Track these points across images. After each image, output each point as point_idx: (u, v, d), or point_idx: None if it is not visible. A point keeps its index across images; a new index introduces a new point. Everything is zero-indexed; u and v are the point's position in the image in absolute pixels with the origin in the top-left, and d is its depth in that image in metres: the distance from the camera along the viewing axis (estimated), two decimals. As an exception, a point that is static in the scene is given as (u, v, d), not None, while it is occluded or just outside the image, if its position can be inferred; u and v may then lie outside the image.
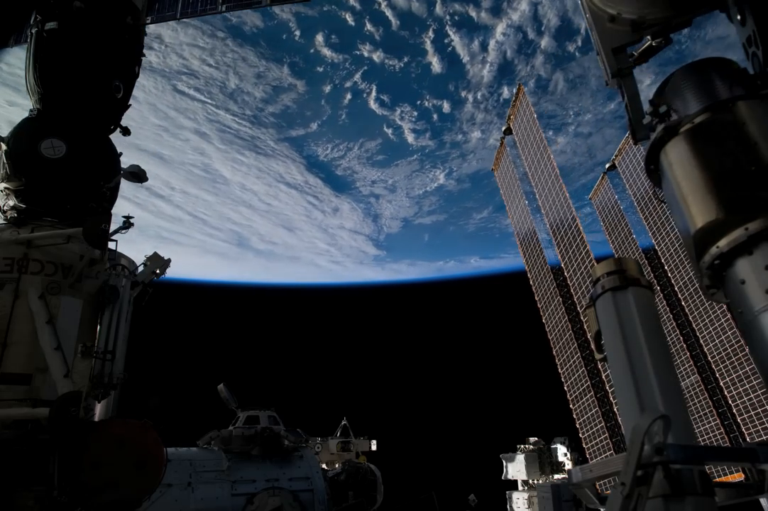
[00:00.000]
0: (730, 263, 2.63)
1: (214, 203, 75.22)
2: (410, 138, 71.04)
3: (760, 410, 18.86)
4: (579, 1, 3.53)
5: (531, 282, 24.44)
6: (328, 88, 68.15)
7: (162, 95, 58.34)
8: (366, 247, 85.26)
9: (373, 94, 67.82)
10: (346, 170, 76.46)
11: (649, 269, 22.86)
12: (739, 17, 3.01)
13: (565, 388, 21.70)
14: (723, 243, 2.59)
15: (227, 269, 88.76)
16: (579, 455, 17.80)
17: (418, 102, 71.02)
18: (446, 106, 69.11)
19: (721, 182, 2.63)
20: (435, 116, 71.24)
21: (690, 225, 2.73)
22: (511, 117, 24.45)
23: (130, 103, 7.10)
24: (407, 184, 77.45)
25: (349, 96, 69.08)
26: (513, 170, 25.40)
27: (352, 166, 75.37)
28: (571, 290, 21.67)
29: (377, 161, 75.09)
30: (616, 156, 24.64)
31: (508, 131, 24.89)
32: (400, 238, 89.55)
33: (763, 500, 12.81)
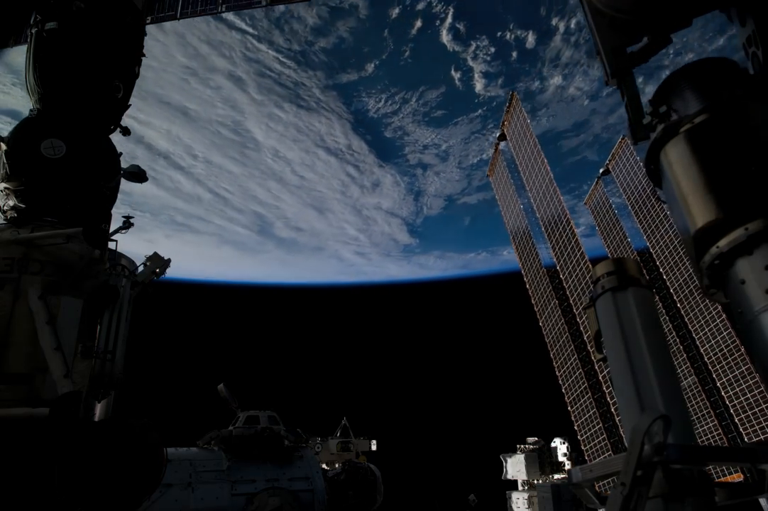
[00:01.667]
0: (730, 263, 2.63)
1: (240, 176, 64.47)
2: (479, 85, 60.10)
3: (756, 409, 18.90)
4: (579, 1, 3.53)
5: (527, 286, 24.61)
6: (395, 12, 55.78)
7: (193, 21, 49.74)
8: (398, 234, 76.78)
9: (449, 20, 55.46)
10: (396, 131, 65.35)
11: (644, 271, 22.94)
12: (739, 17, 3.01)
13: (563, 390, 21.76)
14: (723, 243, 2.59)
15: (243, 264, 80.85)
16: (578, 455, 17.82)
17: (499, 33, 59.02)
18: (530, 40, 57.43)
19: (721, 182, 2.63)
20: (514, 54, 59.56)
21: (690, 225, 2.73)
22: (505, 123, 24.76)
23: (130, 103, 7.10)
24: (462, 150, 67.09)
25: (419, 24, 56.32)
26: (508, 175, 25.74)
27: (405, 126, 64.28)
28: (567, 292, 21.76)
29: (434, 119, 63.63)
30: (610, 161, 25.05)
31: (502, 137, 25.15)
32: (439, 222, 79.99)
33: (762, 500, 12.81)
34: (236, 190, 66.53)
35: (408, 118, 63.18)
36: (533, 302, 24.10)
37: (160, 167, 58.46)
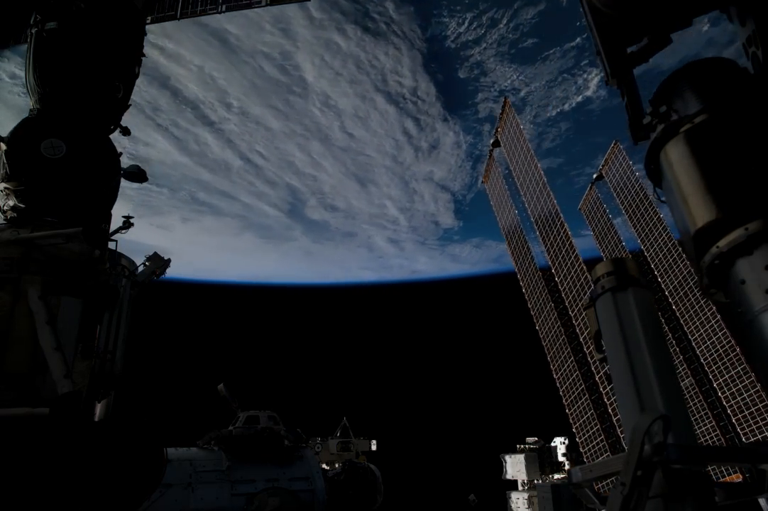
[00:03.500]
0: (730, 263, 2.63)
1: (279, 135, 53.99)
2: None
3: (753, 409, 18.99)
4: (579, 2, 3.53)
5: (523, 290, 24.86)
6: None
7: None
8: (443, 215, 68.01)
9: None
10: (473, 69, 53.39)
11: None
12: (738, 17, 3.01)
13: (561, 393, 21.84)
14: (723, 243, 2.59)
15: (262, 258, 72.29)
16: (578, 455, 17.82)
17: None
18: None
19: (721, 182, 2.63)
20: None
21: (690, 225, 2.73)
22: (499, 130, 25.02)
23: (130, 103, 7.11)
24: (542, 98, 54.62)
25: None
26: (502, 182, 26.02)
27: (485, 61, 52.27)
28: (563, 295, 21.93)
29: (522, 50, 51.28)
30: (603, 166, 25.51)
31: (496, 144, 25.41)
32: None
33: (762, 500, 12.81)
34: (272, 155, 55.64)
35: (491, 49, 50.81)
36: (529, 305, 24.33)
37: (186, 123, 48.18)
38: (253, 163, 54.30)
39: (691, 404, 20.71)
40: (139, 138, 47.11)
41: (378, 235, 69.80)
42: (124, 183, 6.82)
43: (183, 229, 59.80)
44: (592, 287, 3.22)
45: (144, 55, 7.26)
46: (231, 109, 48.86)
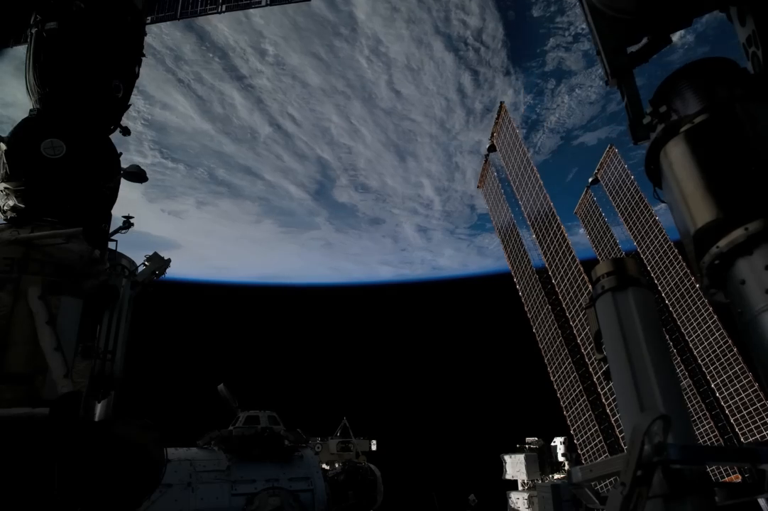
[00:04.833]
0: (730, 263, 2.63)
1: (317, 92, 46.88)
2: None
3: (751, 408, 19.04)
4: (579, 2, 3.54)
5: (520, 293, 24.94)
6: None
7: None
8: (481, 197, 62.15)
9: None
10: (549, 6, 45.38)
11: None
12: (738, 17, 3.01)
13: (558, 395, 21.88)
14: (723, 243, 2.59)
15: (278, 250, 67.79)
16: (576, 456, 17.82)
17: None
18: None
19: (721, 182, 2.63)
20: None
21: (690, 225, 2.73)
22: (494, 134, 25.04)
23: (130, 103, 7.12)
24: None
25: None
26: (498, 186, 26.13)
27: None
28: (560, 297, 21.99)
29: None
30: (598, 170, 25.65)
31: (491, 148, 25.40)
32: (540, 175, 65.44)
33: (762, 500, 12.81)
34: (305, 120, 49.54)
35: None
36: (526, 308, 24.40)
37: (212, 77, 41.54)
38: (283, 131, 48.07)
39: (689, 404, 20.75)
40: (157, 98, 41.52)
41: (408, 222, 63.15)
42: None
43: (197, 216, 54.47)
44: (592, 287, 3.23)
45: (144, 55, 7.26)
46: (265, 57, 42.51)
